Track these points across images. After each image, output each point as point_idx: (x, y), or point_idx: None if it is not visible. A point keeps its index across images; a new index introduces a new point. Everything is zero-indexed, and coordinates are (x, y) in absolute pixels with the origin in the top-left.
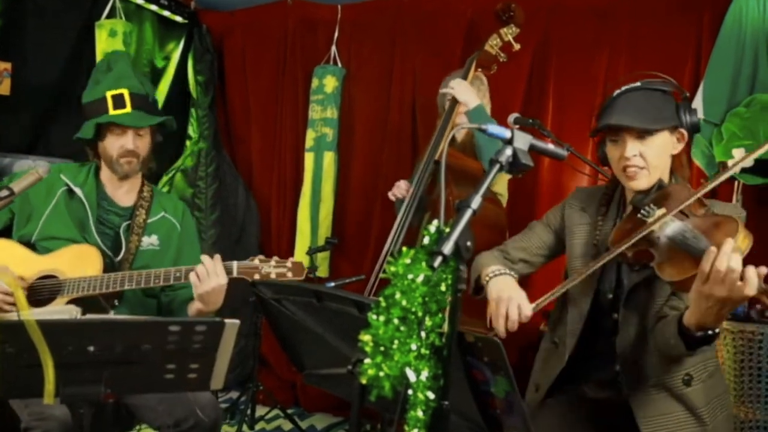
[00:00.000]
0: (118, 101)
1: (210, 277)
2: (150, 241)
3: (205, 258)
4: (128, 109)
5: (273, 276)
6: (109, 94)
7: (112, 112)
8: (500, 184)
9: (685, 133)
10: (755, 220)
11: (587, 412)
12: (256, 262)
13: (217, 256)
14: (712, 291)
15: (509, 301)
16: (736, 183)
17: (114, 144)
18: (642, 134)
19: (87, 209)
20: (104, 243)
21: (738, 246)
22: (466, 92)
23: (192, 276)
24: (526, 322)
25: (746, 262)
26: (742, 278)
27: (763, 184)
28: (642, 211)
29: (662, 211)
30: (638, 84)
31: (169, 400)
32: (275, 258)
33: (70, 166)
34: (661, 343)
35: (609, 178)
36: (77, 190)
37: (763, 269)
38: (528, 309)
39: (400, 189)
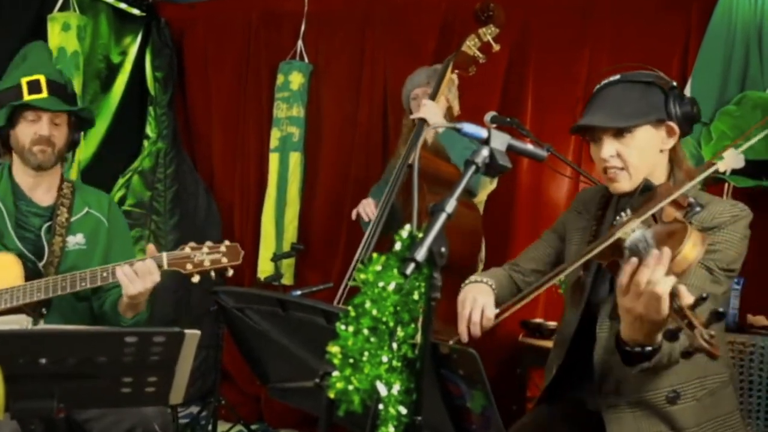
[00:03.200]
0: (34, 87)
1: (141, 276)
2: (76, 240)
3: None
4: (44, 94)
5: (207, 263)
6: (24, 80)
7: (27, 96)
8: (484, 192)
9: (675, 126)
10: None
11: (580, 423)
12: (187, 250)
13: (150, 249)
14: (630, 305)
15: (473, 302)
16: (726, 185)
17: (27, 131)
18: (619, 132)
19: (3, 212)
20: (26, 247)
21: (684, 256)
22: (436, 115)
23: (121, 276)
24: (493, 327)
25: (742, 266)
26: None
27: (755, 187)
28: (617, 217)
29: (632, 217)
30: (617, 77)
31: (116, 412)
32: (207, 243)
33: None
34: None
35: (592, 181)
36: None
37: (684, 292)
38: (491, 311)
39: (367, 210)
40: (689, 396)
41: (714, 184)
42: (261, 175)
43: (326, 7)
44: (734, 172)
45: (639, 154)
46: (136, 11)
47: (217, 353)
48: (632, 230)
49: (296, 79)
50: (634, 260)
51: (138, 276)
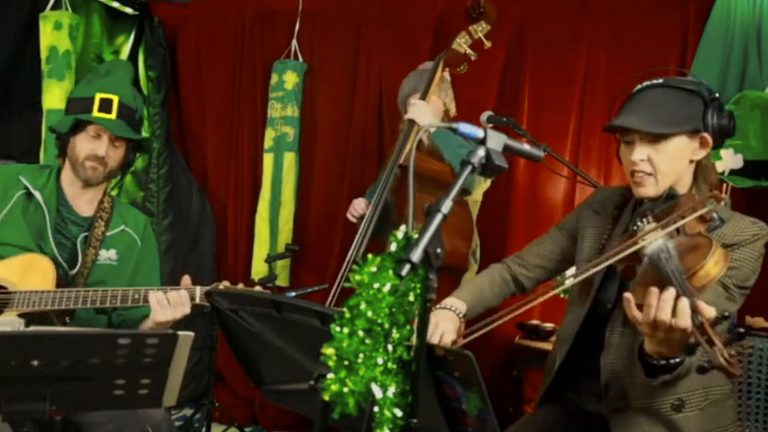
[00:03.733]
0: (105, 105)
1: (173, 306)
2: (108, 255)
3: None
4: (113, 116)
5: None
6: (98, 95)
7: (96, 113)
8: (479, 191)
9: (709, 137)
10: None
11: (581, 425)
12: (222, 286)
13: (185, 281)
14: (652, 332)
15: (434, 327)
16: (724, 185)
17: (85, 145)
18: (654, 138)
19: (45, 215)
20: (61, 254)
21: (707, 272)
22: (426, 115)
23: (153, 302)
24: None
25: None
26: (674, 313)
27: (753, 187)
28: (638, 222)
29: (652, 225)
30: (660, 81)
31: (120, 418)
32: (241, 285)
33: (30, 167)
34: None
35: (589, 182)
36: (36, 194)
37: (705, 309)
38: (448, 338)
39: (357, 209)
40: (694, 405)
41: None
42: (255, 175)
43: (321, 5)
44: (733, 172)
45: (669, 161)
46: (128, 10)
47: (211, 355)
48: (654, 239)
49: (291, 79)
50: (628, 296)
51: (170, 305)
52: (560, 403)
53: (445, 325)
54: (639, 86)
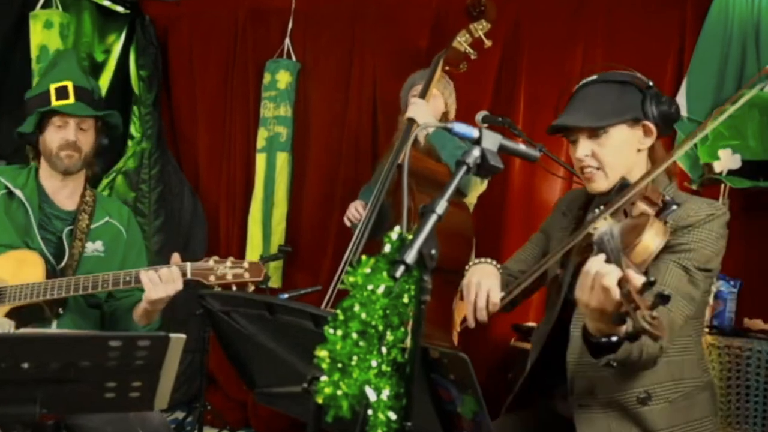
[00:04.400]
0: (62, 92)
1: (165, 283)
2: (94, 247)
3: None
4: (71, 100)
5: (229, 277)
6: (52, 86)
7: (54, 102)
8: (474, 194)
9: (652, 125)
10: (743, 225)
11: (552, 428)
12: (211, 263)
13: (175, 258)
14: (583, 298)
15: (477, 286)
16: (722, 186)
17: (55, 136)
18: (594, 132)
19: (29, 212)
20: (48, 249)
21: (645, 246)
22: (426, 114)
23: (145, 280)
24: (484, 331)
25: (738, 269)
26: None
27: (751, 187)
28: (590, 213)
29: (603, 213)
30: (594, 77)
31: (117, 422)
32: (231, 258)
33: (7, 168)
34: None
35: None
36: (17, 192)
37: (633, 276)
38: (496, 295)
39: (354, 212)
40: (661, 398)
41: (710, 185)
42: (248, 175)
43: (314, 4)
44: (731, 172)
45: (614, 153)
46: (120, 8)
47: (203, 357)
48: (597, 227)
49: (283, 78)
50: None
51: (162, 281)
52: (530, 408)
53: (489, 282)
54: (576, 86)
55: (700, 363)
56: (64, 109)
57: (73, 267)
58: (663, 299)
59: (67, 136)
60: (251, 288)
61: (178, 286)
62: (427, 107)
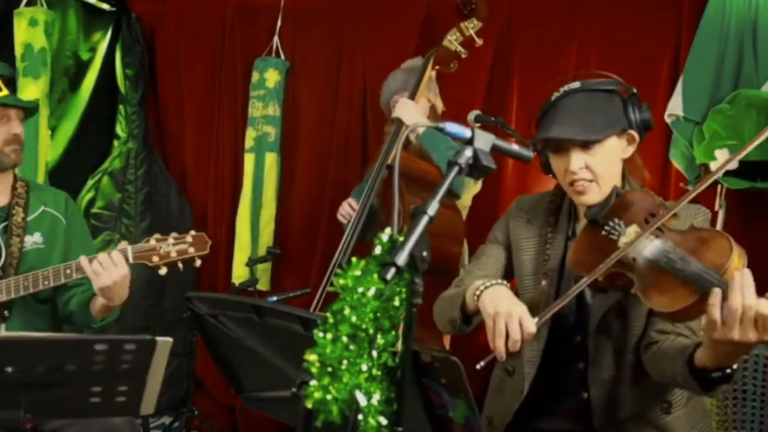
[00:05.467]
0: None
1: (106, 269)
2: (33, 239)
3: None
4: (5, 91)
5: (173, 254)
6: None
7: None
8: (468, 195)
9: (635, 134)
10: (741, 226)
11: None
12: (152, 242)
13: (121, 244)
14: (730, 336)
15: (508, 316)
16: (719, 187)
17: (1, 132)
18: (586, 144)
19: None
20: None
21: (735, 267)
22: (414, 115)
23: (87, 268)
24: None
25: None
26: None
27: (749, 188)
28: (606, 227)
29: (634, 228)
30: (578, 85)
31: (82, 423)
32: (173, 234)
33: None
34: (667, 379)
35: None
36: None
37: None
38: (531, 325)
39: (347, 209)
40: (679, 404)
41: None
42: (235, 176)
43: (304, 1)
44: (728, 173)
45: (606, 164)
46: (105, 6)
47: (190, 361)
48: (644, 242)
49: (272, 77)
50: (717, 291)
51: (104, 269)
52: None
53: (519, 310)
54: (557, 93)
55: None
56: (6, 101)
57: (14, 265)
58: None
59: (12, 129)
60: (198, 262)
61: (122, 271)
62: (416, 107)
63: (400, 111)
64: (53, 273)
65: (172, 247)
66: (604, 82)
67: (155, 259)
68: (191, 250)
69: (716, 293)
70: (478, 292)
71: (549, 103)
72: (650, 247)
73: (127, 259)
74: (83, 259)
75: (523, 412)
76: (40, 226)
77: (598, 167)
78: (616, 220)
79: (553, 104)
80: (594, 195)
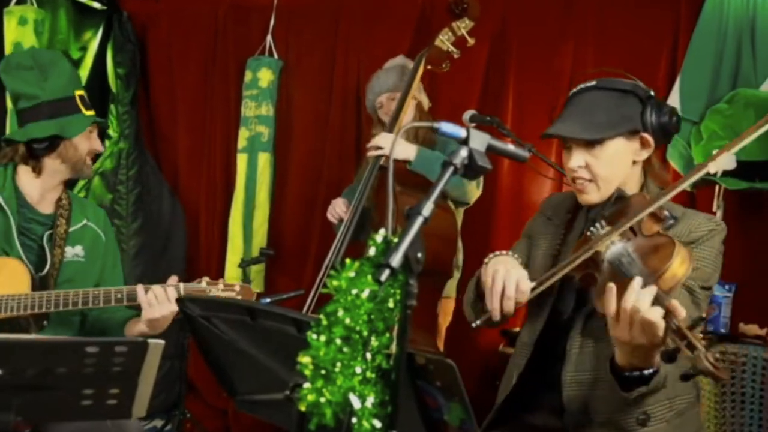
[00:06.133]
0: (85, 101)
1: (160, 303)
2: (75, 251)
3: (156, 287)
4: (92, 111)
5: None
6: (77, 93)
7: (86, 112)
8: (473, 199)
9: (650, 137)
10: (738, 227)
11: None
12: (203, 284)
13: (172, 279)
14: (622, 335)
15: (506, 275)
16: (717, 187)
17: (85, 144)
18: (589, 143)
19: (9, 216)
20: (27, 256)
21: (673, 273)
22: (400, 148)
23: (143, 300)
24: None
25: (732, 273)
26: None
27: (748, 189)
28: (592, 228)
29: (606, 229)
30: (593, 83)
31: (92, 430)
32: (222, 281)
33: None
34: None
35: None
36: None
37: (678, 309)
38: (527, 285)
39: (337, 210)
40: (659, 418)
41: (704, 187)
42: (228, 176)
43: (297, 0)
44: (725, 173)
45: (608, 166)
46: (96, 4)
47: (182, 364)
48: (611, 243)
49: (265, 76)
50: (612, 286)
51: (158, 301)
52: (511, 425)
53: (518, 273)
54: (573, 90)
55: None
56: (98, 121)
57: (54, 275)
58: (721, 339)
59: (95, 145)
60: None
61: (174, 307)
62: (399, 140)
63: (387, 150)
64: (104, 295)
65: (221, 293)
66: (620, 81)
67: None
68: (238, 298)
69: (610, 288)
70: (486, 261)
71: (567, 98)
72: (612, 249)
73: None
74: (139, 289)
75: (512, 403)
76: (81, 239)
77: (599, 167)
78: (602, 222)
79: (568, 100)
80: (592, 195)
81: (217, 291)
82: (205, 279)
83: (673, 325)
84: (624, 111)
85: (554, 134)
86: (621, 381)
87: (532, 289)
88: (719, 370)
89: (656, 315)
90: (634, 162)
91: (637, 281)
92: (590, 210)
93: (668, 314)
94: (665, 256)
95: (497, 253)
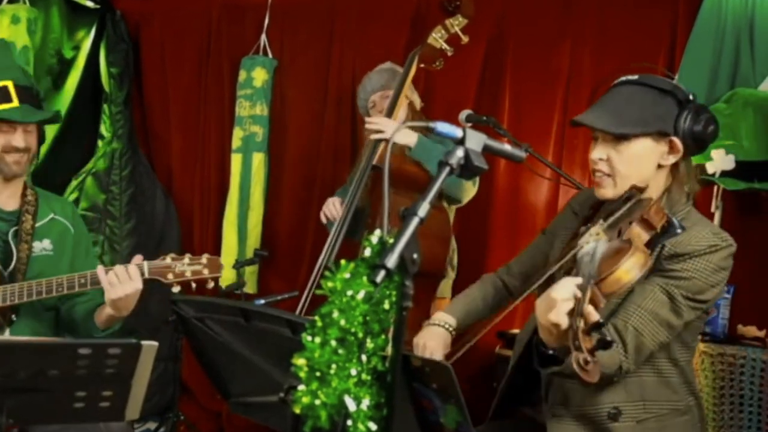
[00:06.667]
0: (3, 95)
1: (123, 283)
2: (42, 246)
3: (117, 266)
4: (15, 103)
5: (188, 274)
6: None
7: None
8: (467, 199)
9: (679, 143)
10: (737, 228)
11: None
12: (168, 260)
13: (137, 259)
14: (538, 315)
15: (423, 348)
16: (715, 188)
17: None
18: (616, 138)
19: None
20: None
21: (616, 278)
22: (402, 133)
23: (103, 279)
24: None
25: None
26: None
27: (746, 189)
28: (589, 224)
29: (595, 229)
30: (635, 77)
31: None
32: (188, 255)
33: None
34: None
35: (573, 184)
36: None
37: (587, 313)
38: (437, 356)
39: (331, 209)
40: (629, 416)
41: (703, 187)
42: (222, 177)
43: None
44: (724, 173)
45: (629, 164)
46: (89, 3)
47: (176, 366)
48: (587, 242)
49: (260, 76)
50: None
51: (119, 281)
52: (513, 418)
53: (432, 345)
54: (617, 80)
55: (683, 386)
56: (10, 116)
57: (22, 270)
58: (604, 345)
59: (14, 142)
60: (211, 284)
61: (138, 285)
62: (395, 125)
63: (388, 135)
64: (67, 281)
65: (187, 267)
66: (662, 80)
67: (170, 276)
68: (205, 271)
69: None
70: (424, 325)
71: (609, 88)
72: (585, 248)
73: (142, 274)
74: (100, 270)
75: (512, 398)
76: (49, 233)
77: (619, 163)
78: (601, 220)
79: (609, 90)
80: (608, 190)
81: (183, 265)
82: (170, 255)
83: (574, 326)
84: (658, 111)
85: (579, 122)
86: (540, 357)
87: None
88: (586, 373)
89: (561, 315)
90: (661, 166)
91: (571, 279)
92: (605, 205)
93: (575, 315)
94: (616, 260)
95: (432, 320)
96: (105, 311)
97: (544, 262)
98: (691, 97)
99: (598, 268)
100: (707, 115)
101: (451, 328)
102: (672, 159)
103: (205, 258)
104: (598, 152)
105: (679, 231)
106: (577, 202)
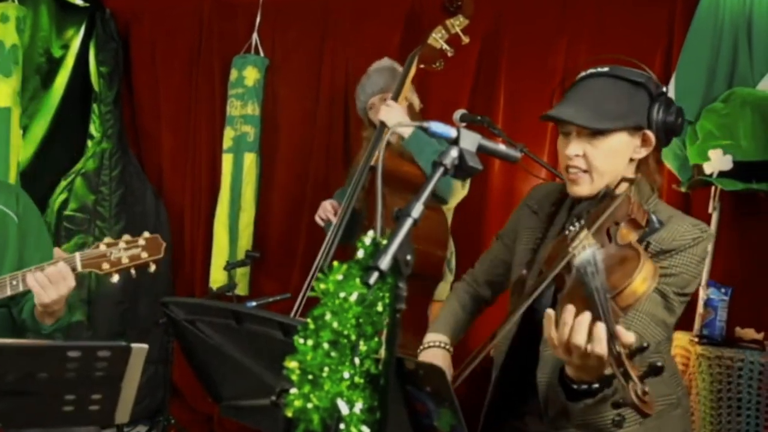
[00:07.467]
0: None
1: (54, 283)
2: None
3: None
4: None
5: (125, 260)
6: None
7: None
8: (455, 201)
9: (652, 135)
10: (734, 229)
11: None
12: (102, 247)
13: (58, 252)
14: (566, 358)
15: None
16: (713, 188)
17: None
18: (593, 133)
19: None
20: None
21: (633, 290)
22: (398, 118)
23: (32, 284)
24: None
25: (729, 276)
26: (590, 338)
27: (744, 189)
28: (570, 226)
29: (584, 233)
30: (605, 69)
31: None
32: (125, 237)
33: None
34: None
35: None
36: None
37: (624, 335)
38: None
39: (327, 211)
40: (633, 420)
41: (700, 187)
42: (213, 177)
43: None
44: (722, 174)
45: (606, 159)
46: (79, 2)
47: (167, 368)
48: (582, 247)
49: (251, 75)
50: (550, 312)
51: (51, 282)
52: (509, 430)
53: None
54: (583, 73)
55: (671, 379)
56: None
57: None
58: (656, 372)
59: None
60: (153, 268)
61: (70, 283)
62: (401, 111)
63: (385, 114)
64: None
65: (124, 253)
66: (634, 72)
67: (105, 266)
68: (144, 254)
69: (549, 315)
70: (421, 348)
71: (575, 81)
72: (583, 254)
73: (74, 269)
74: (29, 276)
75: (499, 409)
76: None
77: (596, 159)
78: (581, 222)
79: (576, 83)
80: (584, 187)
81: (119, 251)
82: (104, 241)
83: (615, 351)
84: (633, 104)
85: (557, 117)
86: (568, 392)
87: (456, 378)
88: (646, 405)
89: (602, 349)
90: (632, 159)
91: (586, 316)
92: (573, 205)
93: (612, 339)
94: (628, 271)
95: (427, 343)
96: (38, 309)
97: (505, 267)
98: (663, 89)
99: (609, 282)
100: (675, 106)
101: (447, 346)
102: (644, 152)
103: (142, 239)
104: (574, 148)
105: (657, 226)
106: (534, 199)
